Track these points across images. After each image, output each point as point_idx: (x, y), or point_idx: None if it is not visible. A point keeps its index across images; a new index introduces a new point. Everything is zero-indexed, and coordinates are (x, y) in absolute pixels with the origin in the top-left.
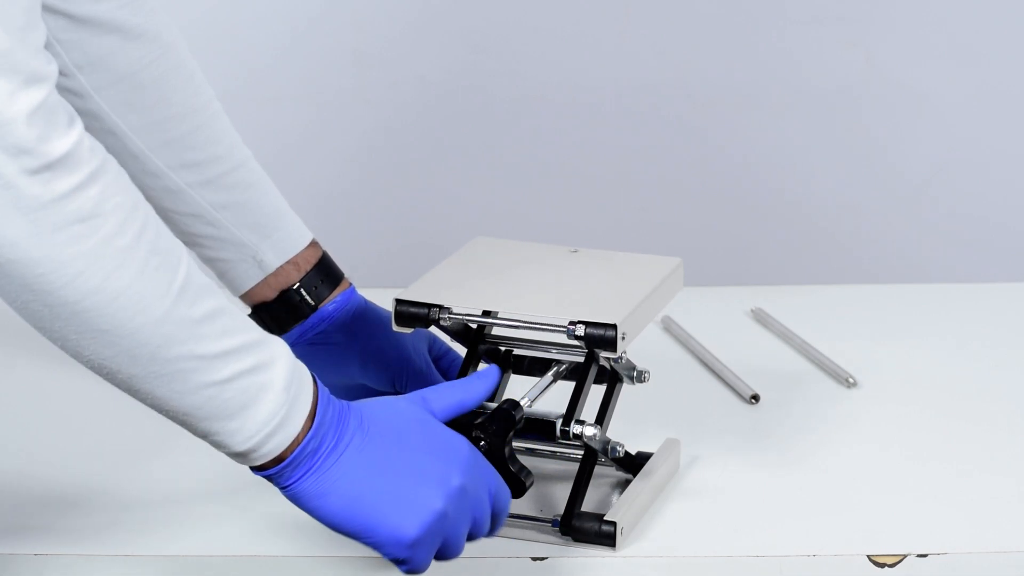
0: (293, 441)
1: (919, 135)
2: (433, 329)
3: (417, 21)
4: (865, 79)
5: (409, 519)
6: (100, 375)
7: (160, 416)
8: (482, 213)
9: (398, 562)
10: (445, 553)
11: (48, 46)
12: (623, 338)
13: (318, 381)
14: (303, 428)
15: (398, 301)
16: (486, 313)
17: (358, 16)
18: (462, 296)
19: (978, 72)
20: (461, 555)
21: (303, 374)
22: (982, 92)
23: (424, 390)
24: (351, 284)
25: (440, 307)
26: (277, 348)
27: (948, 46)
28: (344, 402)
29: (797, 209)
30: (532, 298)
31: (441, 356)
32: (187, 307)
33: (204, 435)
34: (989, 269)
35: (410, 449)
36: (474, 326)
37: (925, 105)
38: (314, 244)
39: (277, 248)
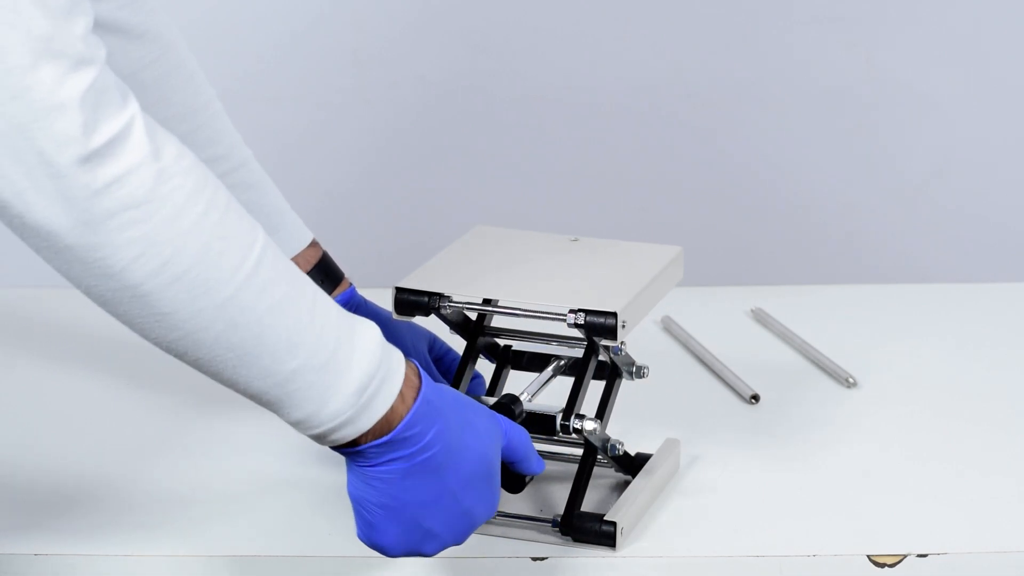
0: (357, 437)
1: (919, 135)
2: (433, 319)
3: (417, 21)
4: (865, 79)
5: (425, 545)
6: (172, 355)
7: (160, 416)
8: (482, 213)
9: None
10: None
11: (94, 34)
12: (623, 326)
13: (422, 375)
14: (369, 431)
15: (398, 289)
16: (486, 301)
17: (358, 16)
18: (462, 284)
19: (978, 72)
20: (461, 555)
21: (386, 384)
22: (982, 92)
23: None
24: (351, 284)
25: (440, 295)
26: (359, 352)
27: (948, 46)
28: (430, 422)
29: (797, 209)
30: (532, 286)
31: (441, 356)
32: (254, 295)
33: (273, 412)
34: (989, 269)
35: (465, 484)
36: (474, 316)
37: (925, 105)
38: (314, 244)
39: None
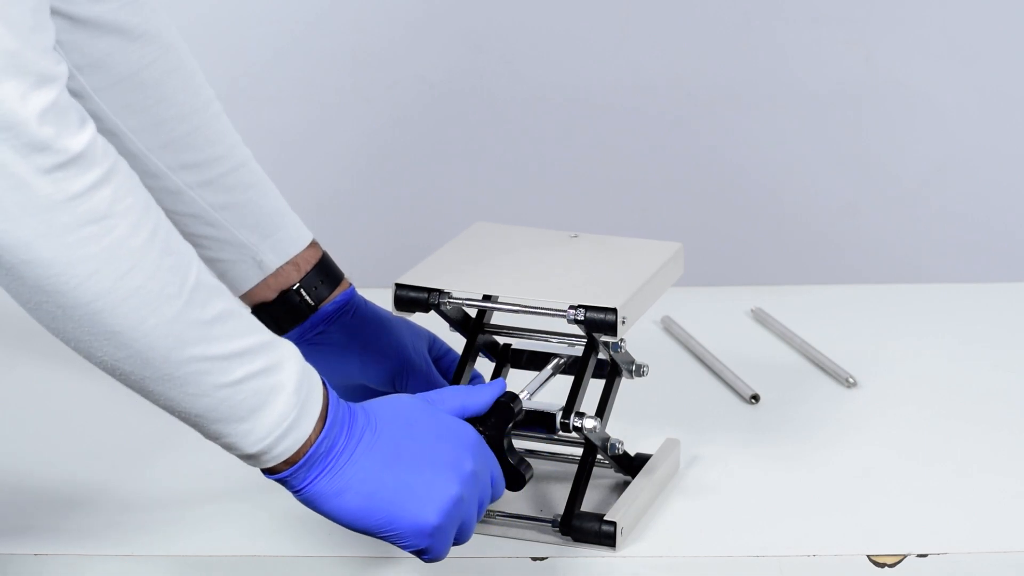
0: (305, 442)
1: (918, 135)
2: (432, 317)
3: (417, 21)
4: (865, 79)
5: (428, 507)
6: (113, 377)
7: (160, 416)
8: (482, 214)
9: (419, 552)
10: (460, 537)
11: (55, 51)
12: (623, 322)
13: (326, 382)
14: (315, 429)
15: (398, 286)
16: (486, 298)
17: (358, 16)
18: (462, 280)
19: (978, 72)
20: (461, 555)
21: (312, 375)
22: (982, 92)
23: (428, 393)
24: (351, 284)
25: (440, 292)
26: (287, 350)
27: (948, 46)
28: (350, 403)
29: (797, 209)
30: (532, 282)
31: (441, 356)
32: (199, 308)
33: (216, 437)
34: (989, 269)
35: (420, 438)
36: (473, 313)
37: (925, 105)
38: (314, 244)
39: (277, 249)
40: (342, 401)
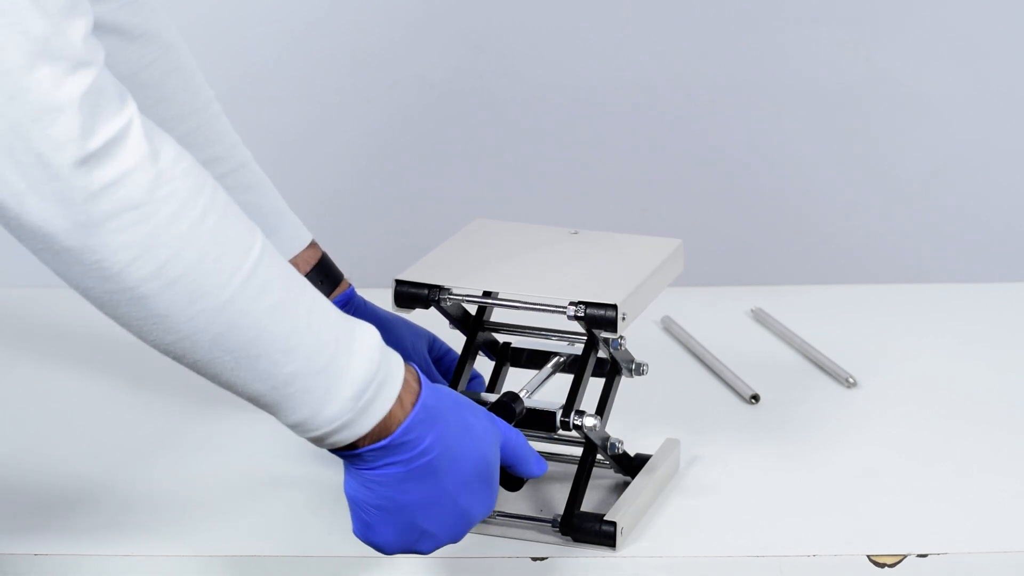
0: (357, 439)
1: (919, 135)
2: (432, 314)
3: (417, 21)
4: (865, 79)
5: (426, 546)
6: (170, 358)
7: (160, 416)
8: (482, 214)
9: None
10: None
11: (93, 35)
12: (623, 318)
13: (422, 379)
14: (367, 437)
15: (398, 282)
16: (486, 294)
17: (358, 16)
18: (462, 277)
19: (978, 72)
20: (461, 555)
21: (384, 389)
22: (982, 92)
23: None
24: (351, 285)
25: (440, 288)
26: (357, 356)
27: (948, 46)
28: (428, 427)
29: (797, 209)
30: (532, 279)
31: (441, 356)
32: (251, 298)
33: (271, 414)
34: (989, 269)
35: (456, 492)
36: (473, 309)
37: (925, 105)
38: (314, 245)
39: (276, 249)
40: (418, 424)
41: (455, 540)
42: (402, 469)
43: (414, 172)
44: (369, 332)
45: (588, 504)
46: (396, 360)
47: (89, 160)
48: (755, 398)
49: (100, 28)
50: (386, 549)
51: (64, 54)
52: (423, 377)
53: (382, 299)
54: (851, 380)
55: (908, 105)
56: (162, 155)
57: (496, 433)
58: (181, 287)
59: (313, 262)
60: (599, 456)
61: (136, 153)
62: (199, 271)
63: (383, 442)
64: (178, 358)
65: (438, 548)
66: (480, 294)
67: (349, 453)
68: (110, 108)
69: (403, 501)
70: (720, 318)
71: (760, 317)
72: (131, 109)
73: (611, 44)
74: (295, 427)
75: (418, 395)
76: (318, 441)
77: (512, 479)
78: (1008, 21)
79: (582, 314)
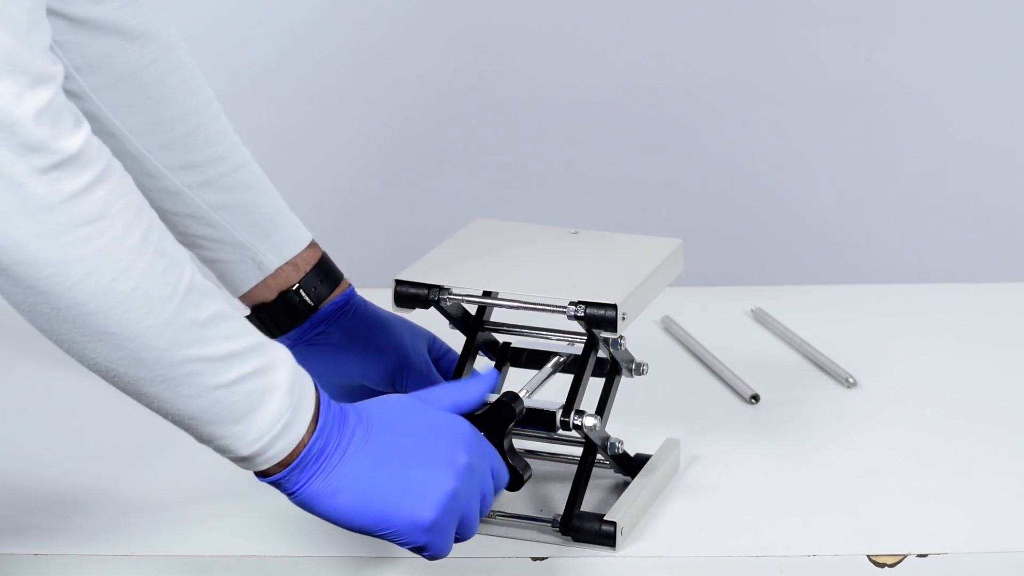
0: (299, 443)
1: (919, 135)
2: (432, 314)
3: (417, 21)
4: (865, 79)
5: (423, 503)
6: (106, 379)
7: (160, 417)
8: (482, 214)
9: (419, 549)
10: (462, 533)
11: (51, 52)
12: (623, 318)
13: (317, 384)
14: (308, 430)
15: (398, 282)
16: (486, 294)
17: (358, 16)
18: (462, 277)
19: (978, 72)
20: (461, 555)
21: (304, 377)
22: (982, 92)
23: (421, 391)
24: (350, 285)
25: (440, 288)
26: (279, 352)
27: (948, 46)
28: (341, 403)
29: (797, 209)
30: (532, 279)
31: (441, 356)
32: (192, 309)
33: (209, 440)
34: (989, 269)
35: (413, 435)
36: (473, 309)
37: (925, 105)
38: (313, 245)
39: (276, 249)
40: (333, 402)
41: (457, 477)
42: (355, 445)
43: (414, 172)
44: (281, 348)
45: (588, 504)
46: (307, 380)
47: (50, 171)
48: (755, 398)
49: (100, 28)
50: (430, 519)
51: (26, 69)
52: (322, 392)
53: (382, 299)
54: (851, 380)
55: (908, 105)
56: (113, 171)
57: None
58: (131, 301)
59: (313, 262)
60: (599, 456)
61: (94, 168)
62: (148, 285)
63: (320, 423)
64: (116, 377)
65: (469, 490)
66: (480, 294)
67: (296, 464)
68: (68, 122)
69: (365, 474)
70: (720, 318)
71: (760, 317)
72: (86, 125)
73: (611, 44)
74: (237, 440)
75: (315, 384)
76: (260, 457)
77: (512, 479)
78: (1008, 21)
79: (582, 314)
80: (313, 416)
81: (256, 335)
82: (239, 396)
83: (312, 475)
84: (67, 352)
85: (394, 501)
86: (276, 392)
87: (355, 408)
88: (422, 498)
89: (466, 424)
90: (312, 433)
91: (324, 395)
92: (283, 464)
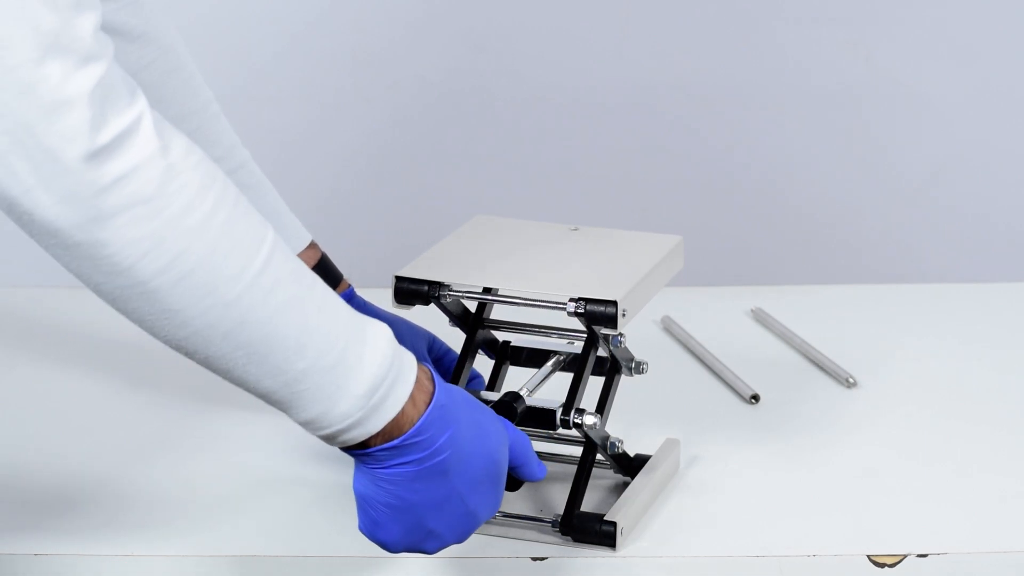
0: (369, 438)
1: (919, 135)
2: (432, 312)
3: (417, 21)
4: (865, 79)
5: (431, 546)
6: (181, 353)
7: (160, 416)
8: (482, 213)
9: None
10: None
11: (102, 31)
12: (623, 315)
13: (435, 377)
14: (378, 437)
15: (398, 278)
16: (486, 290)
17: (358, 16)
18: (462, 273)
19: (978, 72)
20: (461, 555)
21: (396, 388)
22: (982, 92)
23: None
24: (350, 285)
25: (440, 284)
26: (369, 355)
27: (948, 46)
28: (441, 427)
29: (797, 209)
30: (532, 275)
31: (441, 356)
32: (263, 293)
33: (283, 411)
34: (989, 269)
35: (468, 484)
36: (473, 306)
37: (925, 105)
38: (313, 246)
39: None
40: (430, 423)
41: (460, 540)
42: (414, 469)
43: (414, 172)
44: (382, 330)
45: (588, 504)
46: (409, 359)
47: (99, 154)
48: (755, 398)
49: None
50: (391, 547)
51: (73, 48)
52: (436, 376)
53: (382, 299)
54: (851, 380)
55: (908, 105)
56: (172, 149)
57: (504, 435)
58: (192, 282)
59: (313, 262)
60: (599, 456)
61: (146, 147)
62: (210, 266)
63: (395, 441)
64: (190, 354)
65: (443, 548)
66: (480, 290)
67: (360, 452)
68: (120, 102)
69: (412, 500)
70: (720, 318)
71: (760, 317)
72: (141, 103)
73: (611, 44)
74: (306, 424)
75: (432, 395)
76: (329, 439)
77: (511, 479)
78: (1008, 21)
79: (582, 310)
80: (386, 428)
81: (342, 328)
82: (307, 387)
83: (387, 463)
84: (144, 329)
85: (405, 530)
86: (348, 395)
87: (449, 434)
88: (436, 540)
89: (504, 477)
90: (379, 442)
91: (421, 416)
92: (357, 445)
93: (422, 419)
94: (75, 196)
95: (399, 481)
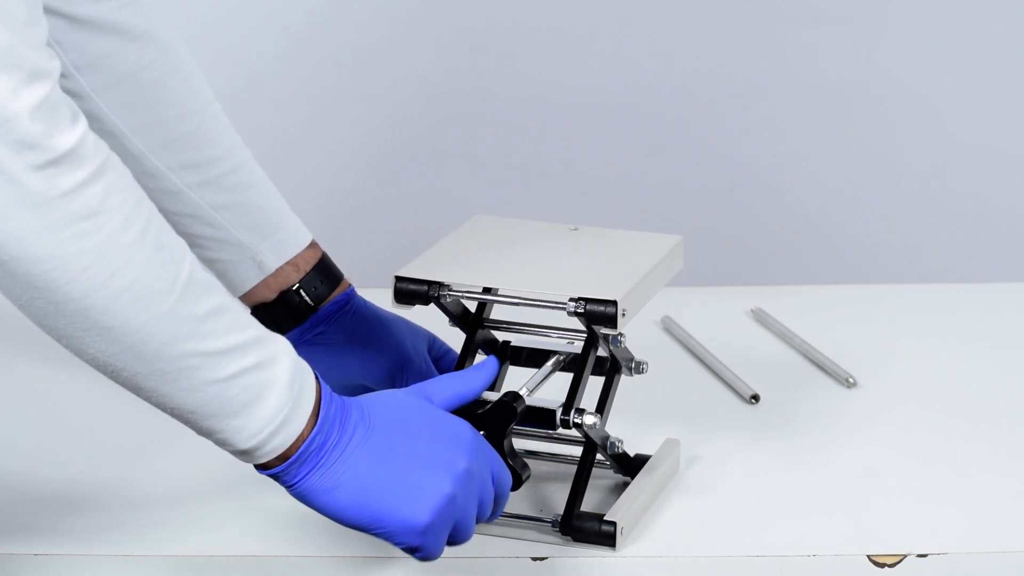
0: (298, 437)
1: (918, 135)
2: (432, 312)
3: (417, 21)
4: (864, 79)
5: (419, 505)
6: (104, 373)
7: (160, 415)
8: (482, 213)
9: (411, 550)
10: (457, 537)
11: (48, 47)
12: (623, 315)
13: (319, 377)
14: (307, 424)
15: (398, 278)
16: (486, 290)
17: (358, 16)
18: (462, 273)
19: (978, 72)
20: (461, 555)
21: (305, 370)
22: (982, 92)
23: (422, 383)
24: (351, 285)
25: (440, 284)
26: (280, 345)
27: (948, 46)
28: (344, 397)
29: (797, 209)
30: (532, 275)
31: (441, 356)
32: (191, 303)
33: (208, 433)
34: (989, 269)
35: (413, 436)
36: (473, 306)
37: (924, 105)
38: (313, 245)
39: (276, 249)
40: (336, 396)
41: (456, 481)
42: (355, 442)
43: (414, 172)
44: (283, 342)
45: (588, 504)
46: (308, 381)
47: (47, 167)
48: (755, 398)
49: (100, 28)
50: (425, 521)
51: (22, 64)
52: (323, 383)
53: (382, 299)
54: (851, 380)
55: (908, 105)
56: (111, 166)
57: (465, 430)
58: (129, 296)
59: (313, 262)
60: (599, 456)
61: (91, 163)
62: (146, 279)
63: (320, 418)
64: (115, 371)
65: (455, 483)
66: (480, 290)
67: (296, 458)
68: (65, 119)
69: (366, 470)
70: (720, 318)
71: (760, 317)
72: (83, 120)
73: (611, 44)
74: (236, 434)
75: (317, 378)
76: (259, 451)
77: (512, 476)
78: (1008, 22)
79: (582, 310)
80: (313, 410)
81: (256, 328)
82: (238, 390)
83: (311, 469)
84: (65, 347)
85: (390, 501)
86: (275, 387)
87: (357, 403)
88: (418, 500)
89: (468, 427)
90: (312, 428)
91: (327, 389)
92: (282, 458)
93: (320, 416)
94: (22, 207)
95: (345, 467)
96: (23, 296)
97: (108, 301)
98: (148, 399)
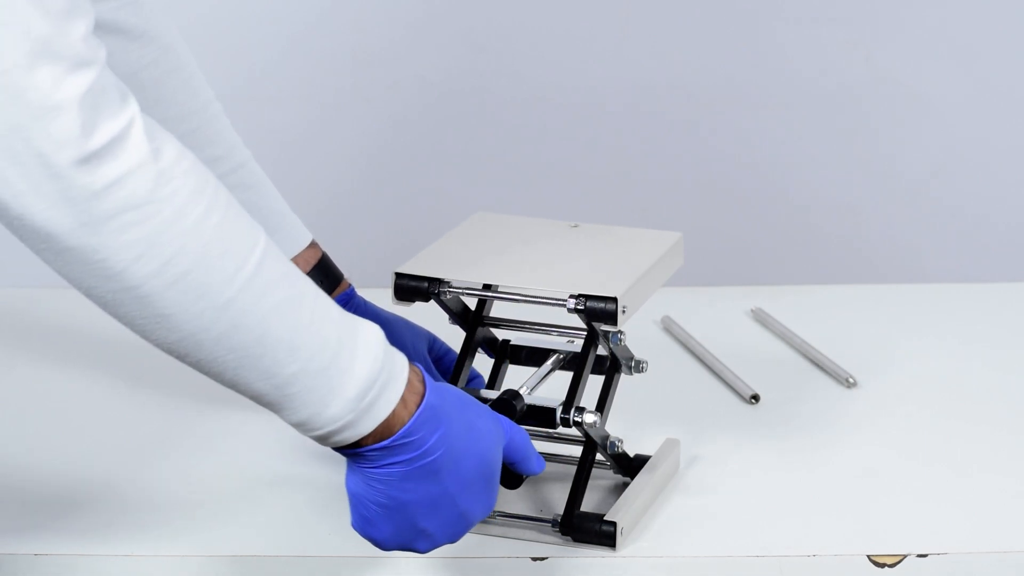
0: (360, 439)
1: (919, 135)
2: (432, 310)
3: (417, 21)
4: (865, 79)
5: (423, 545)
6: (175, 358)
7: (160, 416)
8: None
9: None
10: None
11: (94, 35)
12: (623, 311)
13: (426, 380)
14: (371, 437)
15: (398, 275)
16: (486, 287)
17: (358, 16)
18: (462, 270)
19: (978, 72)
20: (461, 555)
21: (387, 389)
22: (982, 92)
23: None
24: (351, 285)
25: (440, 281)
26: (361, 356)
27: (948, 46)
28: (432, 427)
29: (797, 209)
30: (532, 272)
31: (441, 356)
32: (256, 296)
33: (274, 412)
34: (989, 269)
35: (461, 481)
36: (473, 303)
37: (925, 105)
38: (314, 245)
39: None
40: (421, 423)
41: (452, 541)
42: (404, 469)
43: (414, 172)
44: (373, 331)
45: (588, 504)
46: (400, 360)
47: (91, 159)
48: (755, 398)
49: (100, 28)
50: (383, 545)
51: (64, 54)
52: (427, 377)
53: (382, 299)
54: (851, 380)
55: (908, 105)
56: (164, 154)
57: (500, 433)
58: (184, 285)
59: (313, 262)
60: (599, 456)
61: (138, 152)
62: (202, 269)
63: (385, 442)
64: (181, 357)
65: (435, 548)
66: (480, 287)
67: (352, 452)
68: (111, 107)
69: (403, 500)
70: (720, 318)
71: (760, 317)
72: (132, 108)
73: (611, 44)
74: (298, 426)
75: (422, 395)
76: (321, 440)
77: (511, 477)
78: (1008, 21)
79: (582, 307)
80: (377, 430)
81: (333, 329)
82: (298, 390)
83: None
84: (135, 333)
85: (401, 530)
86: (339, 397)
87: (441, 433)
88: (427, 540)
89: (499, 472)
90: (376, 441)
91: (421, 416)
92: (349, 445)
93: (412, 420)
94: (67, 200)
95: (390, 481)
96: (84, 284)
97: (163, 290)
98: (217, 382)
